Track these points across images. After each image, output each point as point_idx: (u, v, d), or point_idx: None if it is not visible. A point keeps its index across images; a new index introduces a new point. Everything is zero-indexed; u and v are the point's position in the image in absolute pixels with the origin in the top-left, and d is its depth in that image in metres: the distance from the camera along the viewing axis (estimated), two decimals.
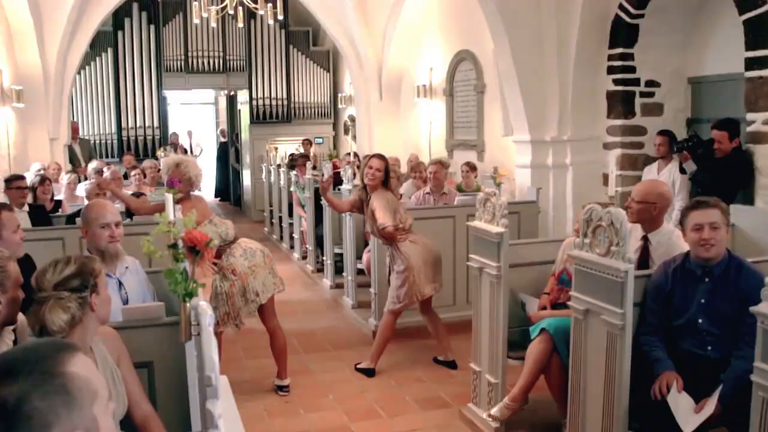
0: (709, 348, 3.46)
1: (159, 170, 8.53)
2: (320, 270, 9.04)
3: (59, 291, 2.49)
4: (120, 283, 3.62)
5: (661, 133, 6.94)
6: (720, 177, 5.95)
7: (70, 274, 2.53)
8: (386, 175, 5.63)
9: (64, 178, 8.18)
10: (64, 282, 2.51)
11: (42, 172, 8.44)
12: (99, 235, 3.57)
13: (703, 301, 3.48)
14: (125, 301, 3.57)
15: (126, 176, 10.29)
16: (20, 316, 2.71)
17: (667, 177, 6.61)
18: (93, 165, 10.08)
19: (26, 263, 3.65)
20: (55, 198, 7.70)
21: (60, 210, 7.38)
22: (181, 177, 4.99)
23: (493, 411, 4.40)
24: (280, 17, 11.94)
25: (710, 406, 3.19)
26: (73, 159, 11.92)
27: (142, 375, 2.92)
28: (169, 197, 2.58)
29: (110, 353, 2.70)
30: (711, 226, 3.48)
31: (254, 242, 5.38)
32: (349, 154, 12.75)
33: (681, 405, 3.25)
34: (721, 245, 3.51)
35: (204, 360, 1.83)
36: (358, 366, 5.82)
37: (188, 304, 2.46)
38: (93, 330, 2.59)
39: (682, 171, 6.44)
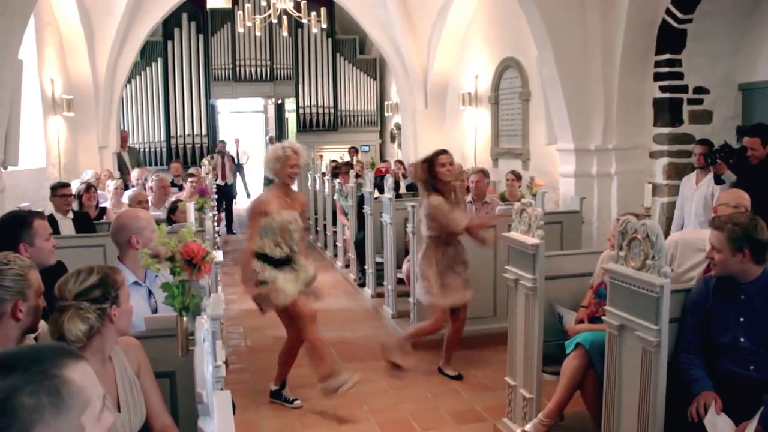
0: (752, 368, 3.30)
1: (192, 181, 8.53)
2: (362, 281, 8.97)
3: (79, 301, 2.48)
4: (150, 292, 3.63)
5: (702, 142, 6.76)
6: (759, 184, 5.79)
7: (91, 285, 2.53)
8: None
9: (110, 184, 8.28)
10: (85, 292, 2.51)
11: (94, 179, 8.58)
12: (154, 238, 3.53)
13: (741, 319, 3.33)
14: (154, 310, 3.58)
15: (173, 183, 10.42)
16: (42, 324, 2.72)
17: (706, 188, 6.45)
18: (135, 173, 10.21)
19: (59, 271, 3.68)
20: (101, 205, 7.81)
21: (105, 217, 7.48)
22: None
23: (527, 427, 4.29)
24: (324, 26, 12.01)
25: (750, 429, 3.04)
26: (121, 167, 12.12)
27: (164, 385, 2.90)
28: (191, 206, 2.55)
29: (130, 363, 2.69)
30: (712, 246, 3.42)
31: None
32: (399, 161, 12.73)
33: (719, 427, 3.11)
34: (723, 267, 3.39)
35: (196, 376, 1.80)
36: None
37: (185, 318, 2.43)
38: (112, 340, 2.58)
39: (720, 182, 6.24)
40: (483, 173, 7.62)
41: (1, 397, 1.23)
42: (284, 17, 12.27)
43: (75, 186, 7.44)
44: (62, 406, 1.29)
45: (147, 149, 17.14)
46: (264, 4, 12.44)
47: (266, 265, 5.09)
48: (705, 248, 4.16)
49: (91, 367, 2.46)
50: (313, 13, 11.91)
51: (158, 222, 3.59)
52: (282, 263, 5.13)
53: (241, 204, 18.12)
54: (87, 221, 6.70)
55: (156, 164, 16.40)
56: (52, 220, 5.75)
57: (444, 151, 5.63)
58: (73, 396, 1.30)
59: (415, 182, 5.91)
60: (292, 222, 5.11)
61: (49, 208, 6.54)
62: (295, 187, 5.48)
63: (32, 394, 1.25)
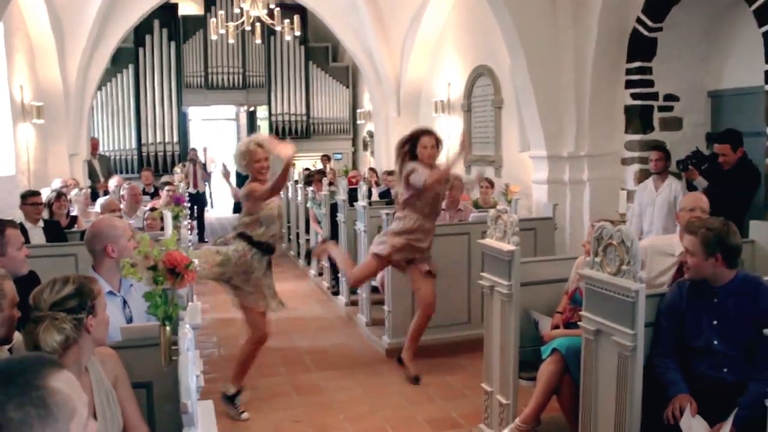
0: (725, 370, 3.35)
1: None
2: (336, 289, 8.95)
3: (55, 311, 2.45)
4: (125, 302, 3.59)
5: (657, 148, 6.90)
6: (731, 189, 5.95)
7: (67, 295, 2.50)
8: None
9: (74, 193, 8.19)
10: (60, 302, 2.48)
11: (63, 188, 8.47)
12: (130, 247, 3.50)
13: (715, 322, 3.38)
14: (129, 320, 3.53)
15: (144, 192, 10.31)
16: (17, 335, 2.68)
17: (668, 193, 6.58)
18: (113, 181, 10.12)
19: (31, 280, 3.63)
20: (72, 214, 7.72)
21: (75, 226, 7.39)
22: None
23: None
24: (297, 33, 11.99)
25: (725, 430, 3.08)
26: (92, 175, 11.99)
27: (141, 395, 2.87)
28: (169, 214, 2.53)
29: (107, 374, 2.65)
30: (686, 250, 3.49)
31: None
32: (372, 169, 12.73)
33: (695, 429, 3.15)
34: (696, 271, 3.45)
35: (180, 386, 1.78)
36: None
37: (168, 328, 2.41)
38: (88, 351, 2.55)
39: (693, 188, 6.37)
40: (457, 180, 7.64)
41: None
42: (257, 24, 12.25)
43: (45, 194, 7.35)
44: (50, 417, 1.27)
45: (118, 157, 16.97)
46: (237, 11, 12.40)
47: (260, 256, 5.13)
48: (674, 253, 4.22)
49: None
50: (287, 21, 11.90)
51: (135, 230, 3.56)
52: (266, 253, 5.17)
53: (211, 212, 18.00)
54: (58, 230, 6.62)
55: (127, 172, 16.26)
56: (22, 229, 5.66)
57: (428, 132, 5.61)
58: (60, 406, 1.29)
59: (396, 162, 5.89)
60: (280, 207, 5.21)
61: (18, 216, 6.44)
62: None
63: (18, 407, 1.23)
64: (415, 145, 5.55)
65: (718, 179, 6.11)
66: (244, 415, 5.17)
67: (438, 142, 5.66)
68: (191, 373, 1.80)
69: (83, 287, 2.55)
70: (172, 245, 2.52)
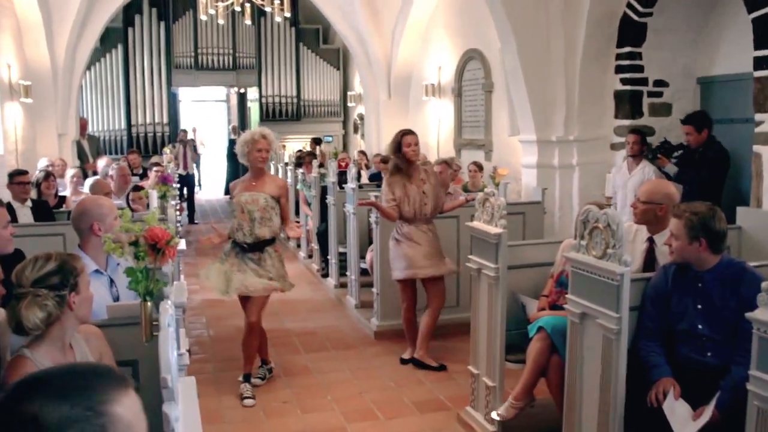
0: (709, 354, 3.38)
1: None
2: (325, 271, 8.96)
3: (37, 288, 2.45)
4: (111, 281, 3.59)
5: (634, 131, 6.99)
6: (699, 170, 6.18)
7: (49, 271, 2.49)
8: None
9: (69, 173, 8.15)
10: (42, 279, 2.47)
11: (49, 167, 8.43)
12: (116, 226, 3.49)
13: (699, 306, 3.40)
14: (116, 299, 3.53)
15: (133, 174, 10.27)
16: (1, 312, 2.67)
17: (641, 176, 6.67)
18: (102, 161, 10.07)
19: (17, 259, 3.61)
20: (60, 194, 7.69)
21: (64, 206, 7.36)
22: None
23: (500, 410, 4.32)
24: (288, 14, 11.91)
25: (707, 413, 3.11)
26: (81, 155, 11.92)
27: (126, 373, 2.87)
28: (154, 193, 2.52)
29: (92, 352, 2.66)
30: (671, 233, 3.51)
31: None
32: (362, 152, 12.70)
33: (677, 412, 3.18)
34: (680, 254, 3.47)
35: (160, 361, 1.79)
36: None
37: (149, 304, 2.41)
38: (72, 328, 2.55)
39: (667, 176, 6.49)
40: (447, 164, 7.65)
41: (52, 430, 1.14)
42: (247, 5, 12.18)
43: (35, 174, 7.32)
44: None
45: (108, 137, 16.88)
46: None
47: (237, 249, 5.21)
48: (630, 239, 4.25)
49: (50, 356, 2.45)
50: (277, 2, 11.82)
51: (119, 209, 3.54)
52: (249, 249, 5.19)
53: (201, 194, 17.95)
54: (46, 209, 6.60)
55: (116, 153, 16.15)
56: (9, 209, 5.64)
57: (409, 132, 5.83)
58: None
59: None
60: (250, 203, 5.15)
61: (6, 196, 6.41)
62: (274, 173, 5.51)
63: None
64: (401, 145, 5.72)
65: (686, 165, 6.32)
66: (247, 402, 5.19)
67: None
68: (172, 348, 1.81)
69: (65, 264, 2.55)
70: (154, 222, 2.51)
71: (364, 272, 7.49)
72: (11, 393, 1.20)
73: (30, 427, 1.14)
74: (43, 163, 9.09)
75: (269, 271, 5.24)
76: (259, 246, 5.23)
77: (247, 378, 5.35)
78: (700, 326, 3.39)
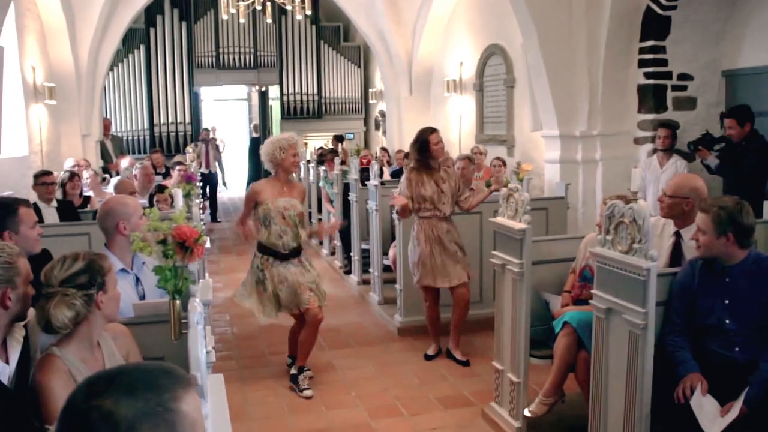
0: (737, 349, 3.34)
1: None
2: (348, 268, 8.99)
3: (65, 287, 2.47)
4: (137, 279, 3.62)
5: (665, 125, 6.94)
6: (740, 163, 6.12)
7: (77, 271, 2.51)
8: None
9: (85, 174, 8.24)
10: (70, 278, 2.50)
11: (75, 167, 8.51)
12: (141, 224, 3.51)
13: (726, 301, 3.36)
14: (142, 297, 3.56)
15: (156, 173, 10.35)
16: (31, 312, 2.70)
17: (672, 170, 6.64)
18: (125, 161, 10.16)
19: (45, 259, 3.65)
20: (85, 194, 7.77)
21: (89, 205, 7.44)
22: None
23: (531, 407, 4.33)
24: (309, 12, 11.91)
25: (735, 409, 3.08)
26: (104, 155, 12.04)
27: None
28: (179, 192, 2.53)
29: (119, 350, 2.68)
30: (698, 228, 3.45)
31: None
32: (384, 148, 12.70)
33: (705, 408, 3.15)
34: (707, 249, 3.41)
35: (190, 358, 1.79)
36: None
37: (177, 302, 2.42)
38: (99, 327, 2.57)
39: (708, 169, 6.44)
40: (469, 159, 7.65)
41: (127, 423, 1.17)
42: (268, 4, 12.19)
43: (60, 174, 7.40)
44: None
45: (130, 137, 17.02)
46: None
47: (271, 258, 5.20)
48: (657, 233, 4.21)
49: (79, 354, 2.47)
50: (297, 0, 11.84)
51: (145, 208, 3.57)
52: (288, 256, 5.23)
53: (225, 193, 18.02)
54: (71, 209, 6.66)
55: (139, 152, 16.30)
56: (36, 209, 5.71)
57: (434, 130, 5.84)
58: (186, 430, 1.24)
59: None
60: (289, 208, 5.16)
61: (32, 196, 6.49)
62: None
63: (153, 428, 1.19)
64: (428, 143, 5.71)
65: (729, 157, 6.24)
66: (306, 392, 5.27)
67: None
68: (200, 345, 1.82)
69: (93, 263, 2.57)
70: (181, 220, 2.52)
71: (387, 269, 7.50)
72: (84, 389, 1.23)
73: (105, 422, 1.17)
74: (69, 163, 9.19)
75: (311, 270, 5.33)
76: (299, 251, 5.29)
77: (301, 370, 5.41)
78: (727, 321, 3.35)
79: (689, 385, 3.25)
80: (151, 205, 6.42)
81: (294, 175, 5.89)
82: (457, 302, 5.80)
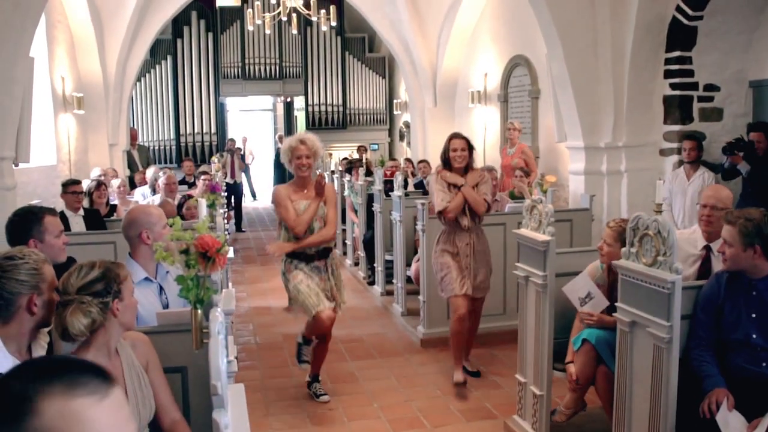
0: (764, 364, 3.29)
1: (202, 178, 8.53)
2: (371, 279, 8.99)
3: (82, 295, 2.50)
4: (161, 288, 3.64)
5: (690, 137, 6.87)
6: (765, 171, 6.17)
7: (93, 279, 2.54)
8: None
9: (114, 183, 8.33)
10: (87, 286, 2.52)
11: (102, 176, 8.61)
12: (165, 234, 3.53)
13: (753, 315, 3.31)
14: (166, 306, 3.58)
15: (185, 181, 10.46)
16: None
17: (700, 182, 6.60)
18: (150, 171, 10.25)
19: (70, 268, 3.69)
20: (111, 203, 7.85)
21: (115, 214, 7.51)
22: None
23: (554, 416, 4.33)
24: (334, 24, 11.99)
25: (762, 426, 3.03)
26: (131, 164, 12.17)
27: (175, 380, 2.91)
28: (203, 202, 2.55)
29: (139, 358, 2.70)
30: (724, 240, 3.41)
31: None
32: (408, 159, 12.71)
33: (731, 424, 3.10)
34: (733, 261, 3.37)
35: (210, 368, 1.80)
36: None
37: (200, 311, 2.43)
38: (116, 334, 2.60)
39: (738, 172, 6.41)
40: (490, 172, 7.62)
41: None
42: (294, 15, 12.30)
43: (87, 183, 7.48)
44: None
45: (157, 147, 17.20)
46: (273, 2, 12.47)
47: (296, 261, 5.16)
48: (696, 247, 4.16)
49: (97, 361, 2.49)
50: (323, 11, 11.92)
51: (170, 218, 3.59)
52: (311, 258, 5.17)
53: (248, 203, 18.12)
54: (97, 218, 6.73)
55: (166, 162, 16.46)
56: (63, 217, 5.77)
57: (456, 135, 5.74)
58: None
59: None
60: (306, 212, 5.15)
61: (59, 205, 6.57)
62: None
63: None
64: (448, 150, 5.61)
65: (757, 164, 6.29)
66: (324, 398, 5.33)
67: (471, 147, 5.67)
68: (222, 355, 1.82)
69: (109, 272, 2.60)
70: (204, 230, 2.54)
71: (410, 280, 7.48)
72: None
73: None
74: (96, 172, 9.29)
75: (330, 279, 5.24)
76: (326, 253, 5.23)
77: (316, 378, 5.43)
78: (754, 336, 3.31)
79: (715, 400, 3.20)
80: (180, 214, 6.47)
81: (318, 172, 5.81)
82: (476, 313, 5.76)
